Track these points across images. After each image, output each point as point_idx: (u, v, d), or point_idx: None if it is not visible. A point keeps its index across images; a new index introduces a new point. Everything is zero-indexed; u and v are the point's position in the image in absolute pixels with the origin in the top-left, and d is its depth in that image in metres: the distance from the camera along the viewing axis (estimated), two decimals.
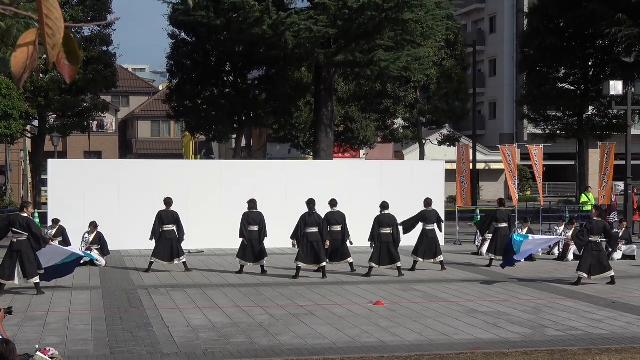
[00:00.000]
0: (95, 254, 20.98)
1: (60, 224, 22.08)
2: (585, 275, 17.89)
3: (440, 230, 22.01)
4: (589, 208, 33.01)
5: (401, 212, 26.56)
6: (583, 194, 34.95)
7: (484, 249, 24.08)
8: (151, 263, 19.80)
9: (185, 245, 22.78)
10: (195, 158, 54.02)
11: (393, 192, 26.84)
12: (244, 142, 47.87)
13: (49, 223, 22.65)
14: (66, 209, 23.93)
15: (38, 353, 10.06)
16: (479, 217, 29.48)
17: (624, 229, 24.76)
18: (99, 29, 40.83)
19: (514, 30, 62.41)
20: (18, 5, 2.34)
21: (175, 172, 26.32)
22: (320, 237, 19.06)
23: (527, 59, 44.57)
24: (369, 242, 19.92)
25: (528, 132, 59.03)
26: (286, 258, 21.97)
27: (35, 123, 40.97)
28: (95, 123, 64.52)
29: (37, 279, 16.30)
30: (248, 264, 19.75)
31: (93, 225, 22.05)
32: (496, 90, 65.89)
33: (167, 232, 19.86)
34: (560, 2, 41.43)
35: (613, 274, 18.15)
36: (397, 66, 31.96)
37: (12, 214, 17.72)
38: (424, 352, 11.25)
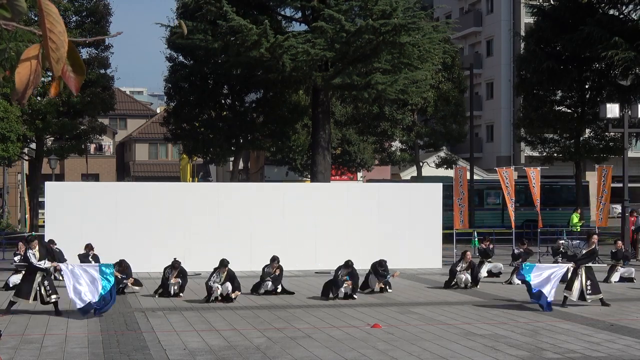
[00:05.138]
0: None
1: (55, 246, 22.13)
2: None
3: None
4: (579, 229, 33.11)
5: (398, 234, 26.62)
6: (573, 215, 34.99)
7: (483, 272, 24.11)
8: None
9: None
10: (193, 180, 53.99)
11: (390, 214, 26.85)
12: (241, 165, 47.90)
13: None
14: (63, 231, 23.90)
15: None
16: (476, 239, 29.49)
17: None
18: (96, 52, 40.99)
19: (511, 53, 62.63)
20: (19, 21, 2.35)
21: (173, 194, 26.31)
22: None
23: (524, 81, 44.71)
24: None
25: (525, 154, 59.08)
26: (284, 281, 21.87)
27: (33, 146, 40.99)
28: (92, 146, 64.68)
29: (55, 297, 16.51)
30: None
31: (89, 248, 22.01)
32: (493, 113, 66.03)
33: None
34: (556, 25, 41.62)
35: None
36: (395, 89, 32.07)
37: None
38: None
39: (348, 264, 19.50)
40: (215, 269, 18.85)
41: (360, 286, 19.97)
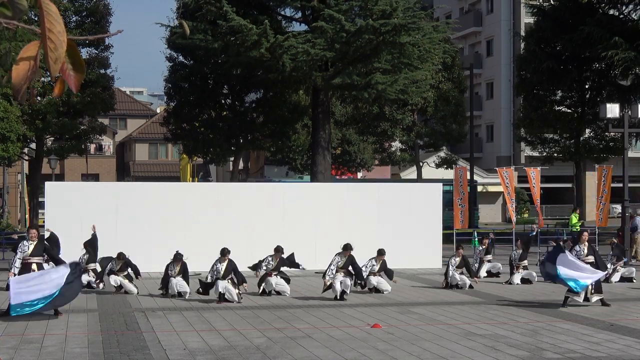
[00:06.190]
0: (91, 275, 21.06)
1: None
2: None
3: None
4: (579, 228, 33.12)
5: (398, 234, 26.61)
6: (572, 215, 35.01)
7: (482, 272, 24.13)
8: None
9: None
10: (193, 180, 54.00)
11: (390, 213, 26.86)
12: (241, 165, 47.91)
13: None
14: (64, 231, 23.87)
15: None
16: (476, 239, 29.49)
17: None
18: (96, 51, 41.02)
19: (511, 53, 62.66)
20: (20, 19, 2.35)
21: (173, 194, 26.31)
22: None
23: (524, 81, 44.71)
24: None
25: (525, 154, 59.13)
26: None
27: (33, 146, 41.01)
28: (92, 146, 64.66)
29: None
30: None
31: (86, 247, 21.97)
32: (493, 113, 66.05)
33: None
34: (556, 25, 41.61)
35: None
36: (395, 89, 32.07)
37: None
38: None
39: (347, 247, 19.50)
40: (217, 260, 18.89)
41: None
